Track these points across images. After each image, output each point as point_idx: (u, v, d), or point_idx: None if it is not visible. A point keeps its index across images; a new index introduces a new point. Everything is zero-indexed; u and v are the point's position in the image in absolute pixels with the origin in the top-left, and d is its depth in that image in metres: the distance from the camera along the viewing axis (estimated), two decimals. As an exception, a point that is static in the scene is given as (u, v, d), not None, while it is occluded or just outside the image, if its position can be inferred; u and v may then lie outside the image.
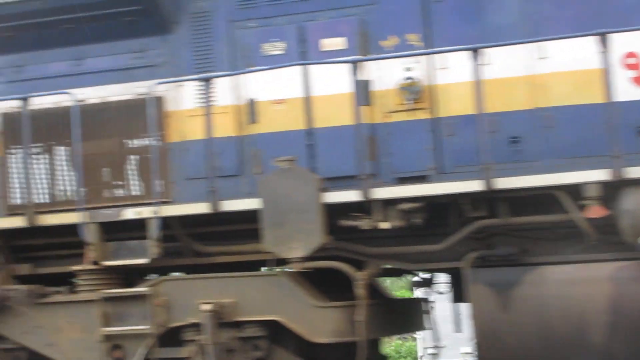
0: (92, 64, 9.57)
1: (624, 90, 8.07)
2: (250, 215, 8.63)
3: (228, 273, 8.90)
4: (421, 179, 8.61)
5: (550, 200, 8.10)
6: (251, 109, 9.03)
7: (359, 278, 8.50)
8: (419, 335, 17.53)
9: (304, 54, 8.96)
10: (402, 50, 8.68)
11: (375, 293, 9.47)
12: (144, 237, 8.97)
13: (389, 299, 10.06)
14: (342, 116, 8.72)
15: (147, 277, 9.65)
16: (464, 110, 8.47)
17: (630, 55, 8.18)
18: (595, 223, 7.96)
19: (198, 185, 9.02)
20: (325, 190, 8.45)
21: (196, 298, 8.76)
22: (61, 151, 9.51)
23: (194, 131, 9.12)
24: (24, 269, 9.65)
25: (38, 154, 9.55)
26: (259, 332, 8.70)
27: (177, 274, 9.83)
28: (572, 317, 8.00)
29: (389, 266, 9.17)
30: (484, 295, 8.19)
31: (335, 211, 8.47)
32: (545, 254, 8.38)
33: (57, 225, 9.26)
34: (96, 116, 9.38)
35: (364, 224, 8.45)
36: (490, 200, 8.32)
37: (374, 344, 9.82)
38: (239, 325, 8.74)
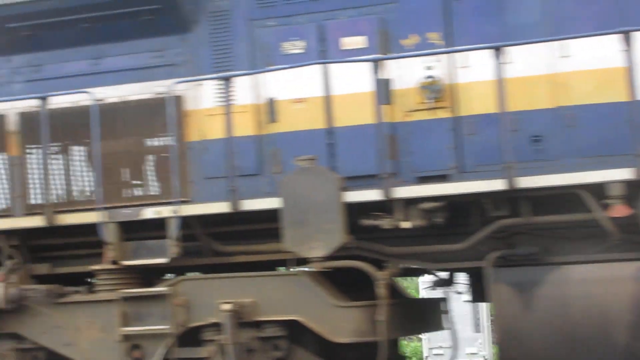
0: (111, 63, 9.54)
1: (647, 89, 8.04)
2: (270, 215, 8.61)
3: (248, 273, 8.88)
4: (442, 178, 8.57)
5: (573, 199, 8.06)
6: (271, 108, 9.01)
7: (381, 278, 8.47)
8: (424, 335, 17.48)
9: (323, 52, 8.93)
10: (423, 48, 8.64)
11: (395, 292, 9.43)
12: (162, 237, 8.96)
13: (407, 299, 10.02)
14: (363, 115, 8.69)
15: (165, 277, 9.63)
16: (485, 109, 8.43)
17: (654, 53, 8.14)
18: (618, 222, 7.91)
19: (217, 185, 9.01)
20: (345, 189, 8.41)
21: (216, 298, 8.73)
22: (80, 150, 9.49)
23: (214, 130, 9.09)
24: (43, 268, 9.63)
25: (56, 153, 9.54)
26: (279, 332, 8.68)
27: (194, 273, 9.80)
28: (595, 317, 7.96)
29: (409, 266, 9.13)
30: (506, 295, 8.16)
31: (355, 210, 8.44)
32: (568, 253, 8.34)
33: (76, 224, 9.25)
34: (115, 115, 9.36)
35: (385, 223, 8.41)
36: (511, 199, 8.28)
37: (393, 344, 9.78)
38: (258, 325, 8.71)
